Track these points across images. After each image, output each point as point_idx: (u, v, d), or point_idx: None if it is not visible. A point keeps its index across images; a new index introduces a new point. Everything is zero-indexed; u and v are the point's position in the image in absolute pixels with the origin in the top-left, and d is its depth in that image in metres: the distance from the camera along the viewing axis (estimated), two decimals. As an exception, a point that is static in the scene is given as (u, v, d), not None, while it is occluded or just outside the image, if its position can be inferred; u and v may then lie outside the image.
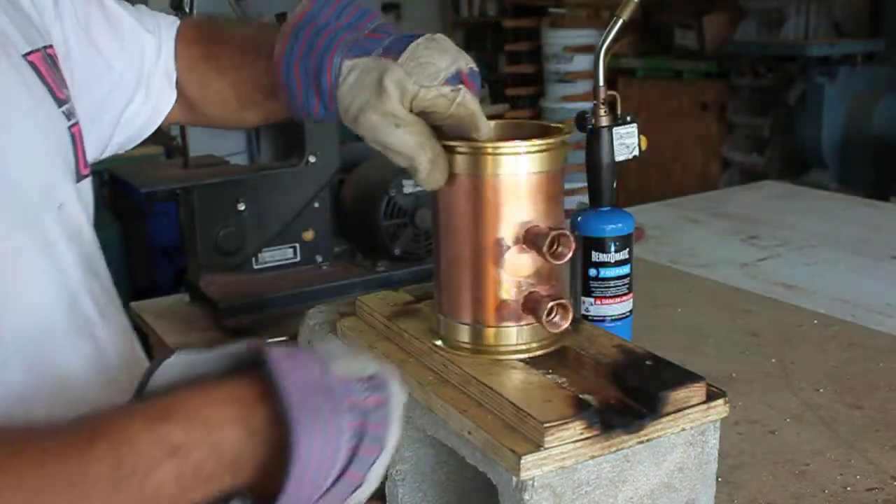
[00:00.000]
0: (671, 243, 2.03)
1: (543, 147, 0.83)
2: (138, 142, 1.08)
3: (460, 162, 0.83)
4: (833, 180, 4.45)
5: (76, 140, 0.89)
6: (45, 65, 0.86)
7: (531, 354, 0.85)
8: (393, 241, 1.62)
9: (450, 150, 0.83)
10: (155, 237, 3.90)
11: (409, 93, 0.79)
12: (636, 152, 1.13)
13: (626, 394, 0.79)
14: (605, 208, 1.13)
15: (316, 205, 1.63)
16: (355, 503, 0.66)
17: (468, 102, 0.80)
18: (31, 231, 0.81)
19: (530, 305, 0.83)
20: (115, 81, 1.01)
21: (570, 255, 0.82)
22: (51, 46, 0.89)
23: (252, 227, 1.58)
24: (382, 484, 0.91)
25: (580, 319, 0.97)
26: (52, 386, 0.82)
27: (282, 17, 1.57)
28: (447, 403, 0.80)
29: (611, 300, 1.14)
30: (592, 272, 1.14)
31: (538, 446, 0.72)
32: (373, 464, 0.65)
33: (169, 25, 1.05)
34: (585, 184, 1.12)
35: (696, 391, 0.79)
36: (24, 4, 0.90)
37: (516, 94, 6.13)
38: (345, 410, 0.62)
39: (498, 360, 0.84)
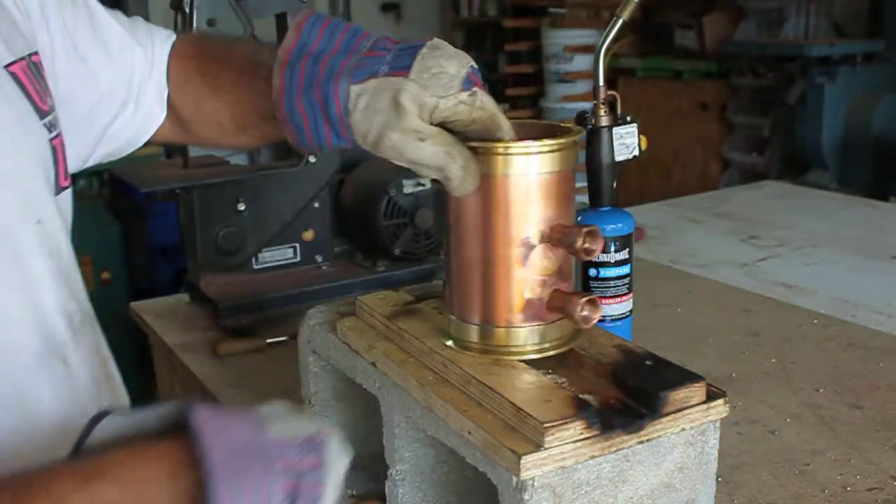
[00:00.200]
0: (671, 243, 2.03)
1: (568, 146, 0.83)
2: (122, 155, 1.06)
3: (486, 164, 0.82)
4: (833, 180, 4.45)
5: (57, 152, 0.86)
6: (29, 74, 0.84)
7: (545, 354, 0.85)
8: (393, 241, 1.62)
9: (472, 151, 0.82)
10: (155, 237, 3.90)
11: (428, 106, 0.77)
12: (636, 152, 1.14)
13: (626, 394, 0.79)
14: (605, 208, 1.14)
15: (316, 205, 1.63)
16: None
17: (487, 104, 0.79)
18: (4, 248, 0.79)
19: (556, 303, 0.83)
20: (102, 95, 0.99)
21: (598, 251, 0.82)
22: (36, 53, 0.87)
23: (252, 227, 1.57)
24: (382, 484, 0.91)
25: (580, 319, 0.97)
26: (18, 409, 0.80)
27: (282, 17, 1.57)
28: (447, 403, 0.80)
29: (611, 300, 1.14)
30: (592, 272, 1.14)
31: (538, 446, 0.72)
32: None
33: (163, 40, 1.03)
34: (585, 184, 1.12)
35: (696, 391, 0.79)
36: (8, 7, 0.87)
37: (516, 94, 6.12)
38: (277, 472, 0.61)
39: (498, 360, 0.84)
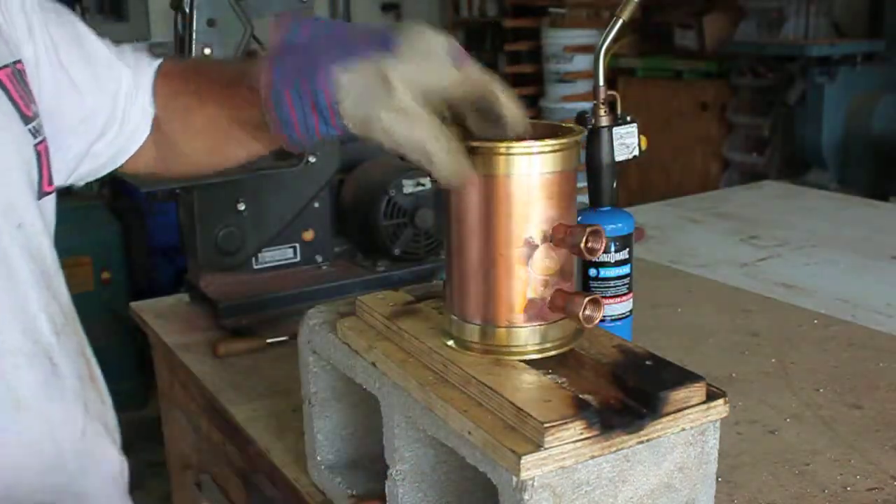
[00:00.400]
0: (671, 243, 2.03)
1: (569, 145, 0.83)
2: (101, 175, 1.06)
3: (488, 164, 0.82)
4: (833, 180, 4.45)
5: (42, 157, 0.87)
6: (14, 81, 0.85)
7: (546, 354, 0.85)
8: (393, 241, 1.62)
9: (474, 151, 0.82)
10: (155, 237, 3.90)
11: (418, 83, 0.77)
12: (636, 152, 1.14)
13: (626, 394, 0.79)
14: (605, 208, 1.14)
15: (316, 205, 1.63)
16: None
17: (477, 75, 0.79)
18: None
19: (559, 303, 0.83)
20: (88, 111, 0.99)
21: (602, 250, 0.82)
22: (20, 62, 0.88)
23: (252, 227, 1.57)
24: (382, 484, 0.91)
25: (580, 319, 0.97)
26: (7, 407, 0.81)
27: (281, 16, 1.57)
28: (447, 403, 0.80)
29: (611, 300, 1.14)
30: (592, 272, 1.14)
31: (538, 446, 0.72)
32: None
33: (150, 62, 1.04)
34: (585, 184, 1.12)
35: (696, 391, 0.79)
36: None
37: (516, 93, 6.12)
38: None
39: (498, 360, 0.84)
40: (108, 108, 1.00)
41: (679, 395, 0.78)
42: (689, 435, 0.79)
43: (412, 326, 0.91)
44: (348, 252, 1.72)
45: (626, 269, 1.15)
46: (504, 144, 0.83)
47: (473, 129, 0.81)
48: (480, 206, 0.83)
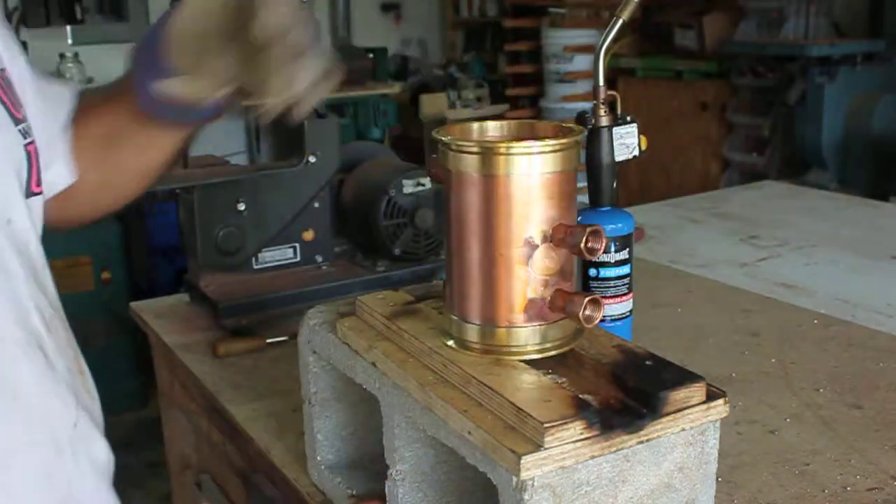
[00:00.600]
0: (671, 243, 2.03)
1: (569, 146, 0.83)
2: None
3: (489, 164, 0.82)
4: (833, 180, 4.45)
5: (31, 158, 0.88)
6: (2, 84, 0.87)
7: (546, 354, 0.85)
8: (393, 241, 1.62)
9: (469, 152, 0.83)
10: (155, 237, 3.90)
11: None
12: (636, 152, 1.14)
13: (626, 394, 0.79)
14: (605, 208, 1.14)
15: (316, 205, 1.63)
16: None
17: None
18: None
19: (559, 303, 0.84)
20: (41, 142, 0.97)
21: (602, 250, 0.82)
22: (5, 70, 0.89)
23: (252, 227, 1.57)
24: (382, 484, 0.91)
25: (580, 319, 0.97)
26: (3, 395, 0.82)
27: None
28: (447, 403, 0.80)
29: (611, 300, 1.14)
30: (592, 272, 1.14)
31: (538, 446, 0.72)
32: None
33: (73, 88, 1.05)
34: (585, 184, 1.12)
35: (696, 391, 0.79)
36: None
37: (516, 94, 6.13)
38: None
39: (498, 360, 0.84)
40: (55, 138, 0.99)
41: (679, 395, 0.78)
42: (689, 435, 0.79)
43: (412, 326, 0.92)
44: (348, 252, 1.72)
45: (626, 269, 1.15)
46: (504, 144, 0.83)
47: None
48: (480, 206, 0.84)
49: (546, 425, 0.72)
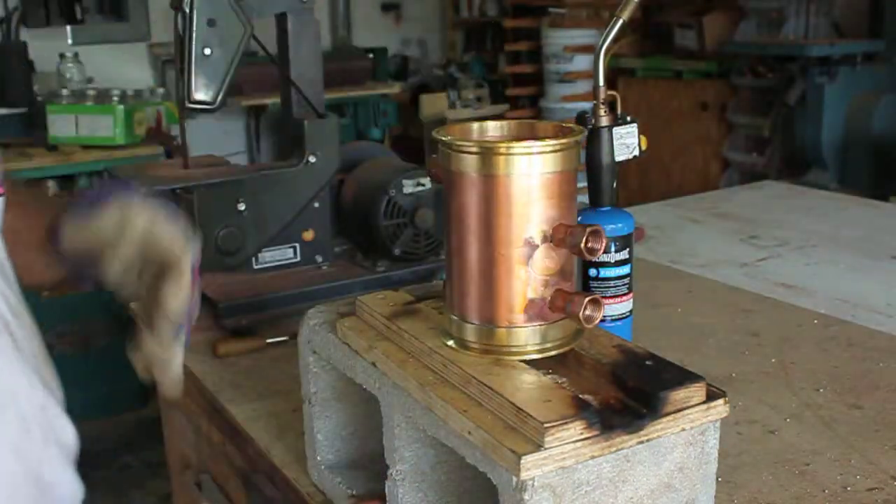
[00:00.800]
0: (671, 243, 2.03)
1: (569, 146, 0.83)
2: None
3: (489, 164, 0.82)
4: (833, 180, 4.45)
5: None
6: None
7: (546, 354, 0.85)
8: (393, 241, 1.62)
9: (469, 152, 0.83)
10: (155, 237, 3.89)
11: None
12: (636, 152, 1.14)
13: (626, 394, 0.79)
14: (605, 208, 1.14)
15: (316, 205, 1.63)
16: None
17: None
18: None
19: (559, 303, 0.84)
20: None
21: (602, 250, 0.82)
22: None
23: (252, 227, 1.57)
24: (382, 484, 0.91)
25: (580, 319, 0.97)
26: None
27: (282, 16, 1.57)
28: (447, 403, 0.80)
29: (611, 300, 1.14)
30: (592, 272, 1.14)
31: (538, 446, 0.72)
32: None
33: None
34: (585, 184, 1.12)
35: (696, 391, 0.79)
36: None
37: (516, 94, 6.13)
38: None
39: (498, 360, 0.84)
40: None
41: (679, 395, 0.78)
42: (689, 435, 0.79)
43: (412, 326, 0.91)
44: (348, 252, 1.72)
45: (626, 269, 1.15)
46: (504, 144, 0.83)
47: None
48: (480, 206, 0.84)
49: (546, 425, 0.72)
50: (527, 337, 0.85)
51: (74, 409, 0.98)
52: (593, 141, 1.12)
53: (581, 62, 5.46)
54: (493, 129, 0.92)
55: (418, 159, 5.25)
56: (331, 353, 0.99)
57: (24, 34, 4.34)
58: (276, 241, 1.61)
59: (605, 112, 1.11)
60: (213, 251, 1.55)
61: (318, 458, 1.06)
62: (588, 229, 0.81)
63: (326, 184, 1.63)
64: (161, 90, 4.33)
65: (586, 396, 0.78)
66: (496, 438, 0.74)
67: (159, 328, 0.94)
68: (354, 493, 1.02)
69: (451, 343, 0.87)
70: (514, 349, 0.85)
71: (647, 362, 0.83)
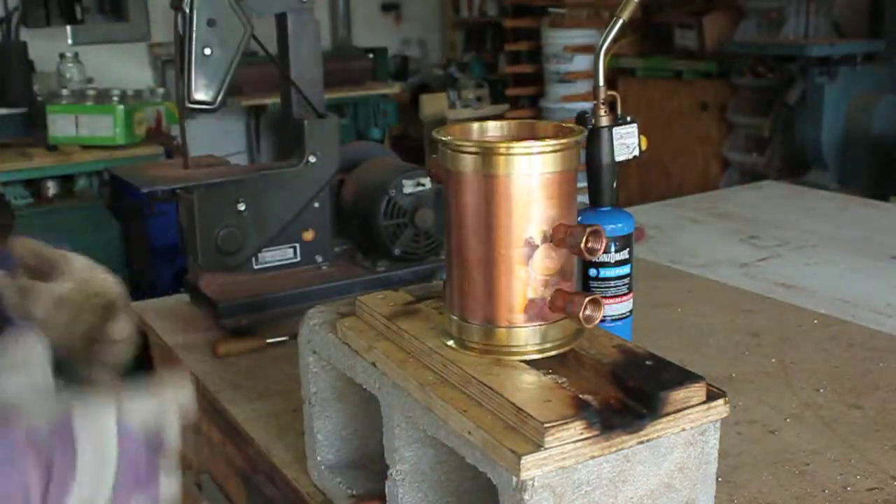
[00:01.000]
0: (671, 243, 2.03)
1: (569, 146, 0.83)
2: None
3: (489, 164, 0.82)
4: (833, 180, 4.45)
5: None
6: None
7: (546, 354, 0.85)
8: (393, 241, 1.62)
9: (469, 152, 0.83)
10: (155, 237, 3.90)
11: None
12: (636, 152, 1.14)
13: (626, 394, 0.79)
14: (605, 208, 1.14)
15: (316, 205, 1.63)
16: None
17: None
18: None
19: (559, 303, 0.84)
20: None
21: (602, 250, 0.82)
22: None
23: (252, 227, 1.57)
24: (382, 484, 0.91)
25: (580, 319, 0.97)
26: None
27: (282, 16, 1.57)
28: (447, 403, 0.80)
29: (611, 300, 1.14)
30: (592, 272, 1.14)
31: (538, 446, 0.72)
32: None
33: None
34: (585, 184, 1.12)
35: (696, 391, 0.79)
36: None
37: (516, 94, 6.13)
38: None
39: (498, 360, 0.84)
40: None
41: (679, 396, 0.78)
42: (689, 435, 0.79)
43: (412, 326, 0.91)
44: (348, 252, 1.72)
45: (626, 270, 1.14)
46: (504, 144, 0.83)
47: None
48: (480, 206, 0.83)
49: (546, 425, 0.72)
50: (527, 337, 0.85)
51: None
52: (593, 141, 1.12)
53: (581, 62, 5.46)
54: (493, 129, 0.92)
55: (418, 159, 5.26)
56: (331, 353, 0.99)
57: (24, 34, 4.34)
58: (276, 241, 1.61)
59: (605, 112, 1.11)
60: (213, 251, 1.55)
61: (318, 458, 1.06)
62: (588, 229, 0.81)
63: (326, 184, 1.63)
64: (161, 90, 4.34)
65: (586, 396, 0.78)
66: (496, 438, 0.74)
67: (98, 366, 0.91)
68: (354, 493, 1.02)
69: (451, 343, 0.87)
70: (514, 349, 0.85)
71: (647, 362, 0.83)
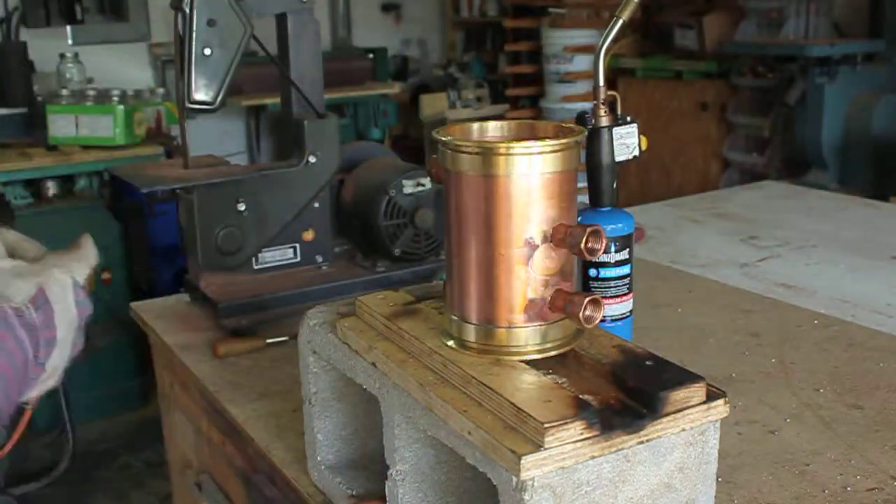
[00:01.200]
0: (671, 243, 2.03)
1: (569, 146, 0.83)
2: None
3: (489, 164, 0.82)
4: (833, 180, 4.45)
5: None
6: None
7: (546, 355, 0.85)
8: (393, 241, 1.62)
9: (469, 152, 0.83)
10: (155, 237, 3.90)
11: None
12: (636, 152, 1.14)
13: (626, 394, 0.79)
14: (605, 208, 1.14)
15: (316, 205, 1.63)
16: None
17: None
18: None
19: (559, 303, 0.84)
20: None
21: (602, 250, 0.82)
22: None
23: (252, 227, 1.57)
24: (382, 484, 0.91)
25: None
26: None
27: (282, 16, 1.57)
28: (447, 403, 0.80)
29: (611, 300, 1.14)
30: (592, 272, 1.14)
31: (538, 446, 0.72)
32: None
33: None
34: (585, 184, 1.12)
35: (696, 391, 0.79)
36: None
37: (516, 94, 6.13)
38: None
39: (498, 361, 0.84)
40: None
41: (679, 396, 0.78)
42: (689, 435, 0.79)
43: (412, 326, 0.92)
44: (348, 252, 1.72)
45: (626, 270, 1.14)
46: (504, 144, 0.83)
47: None
48: (480, 206, 0.83)
49: (546, 425, 0.72)
50: (527, 337, 0.85)
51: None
52: (593, 141, 1.12)
53: (581, 62, 5.45)
54: (493, 129, 0.92)
55: (418, 159, 5.26)
56: (331, 354, 0.99)
57: (24, 34, 4.34)
58: (276, 241, 1.61)
59: (605, 112, 1.11)
60: (213, 251, 1.55)
61: (318, 458, 1.06)
62: (588, 229, 0.81)
63: (326, 184, 1.63)
64: (161, 90, 4.34)
65: (586, 396, 0.78)
66: (496, 438, 0.74)
67: None
68: (354, 493, 1.02)
69: (451, 343, 0.87)
70: (514, 349, 0.85)
71: (647, 362, 0.83)
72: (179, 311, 1.66)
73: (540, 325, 0.85)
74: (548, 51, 5.63)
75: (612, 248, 1.12)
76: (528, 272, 0.84)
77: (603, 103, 1.11)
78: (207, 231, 1.54)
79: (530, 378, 0.81)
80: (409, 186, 1.61)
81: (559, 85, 5.62)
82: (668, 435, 0.78)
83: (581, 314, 0.81)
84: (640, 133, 1.13)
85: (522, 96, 6.12)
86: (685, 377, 0.80)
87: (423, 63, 6.71)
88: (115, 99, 3.82)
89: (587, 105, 1.16)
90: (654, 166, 5.24)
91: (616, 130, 1.12)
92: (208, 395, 1.36)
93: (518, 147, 0.82)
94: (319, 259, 1.65)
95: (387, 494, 0.91)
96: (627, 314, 1.16)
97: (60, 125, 3.67)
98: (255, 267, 1.60)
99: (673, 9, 5.41)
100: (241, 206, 1.56)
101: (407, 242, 1.63)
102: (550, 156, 0.82)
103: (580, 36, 5.44)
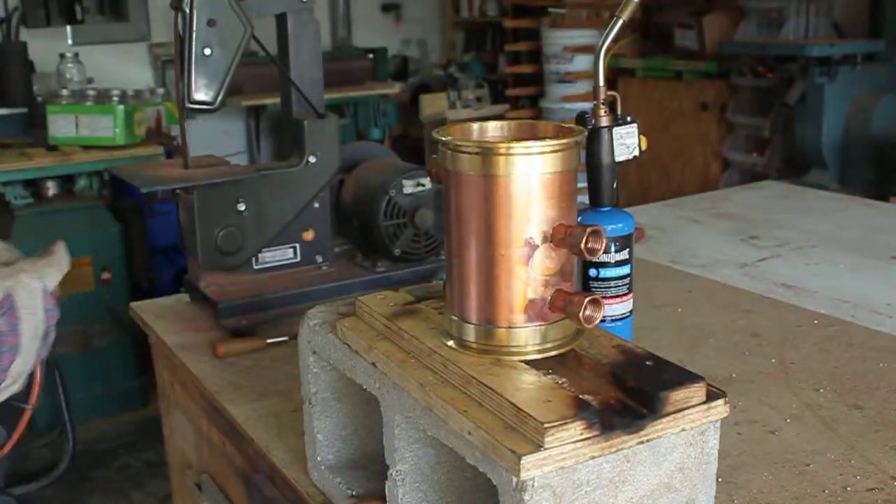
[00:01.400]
0: (671, 243, 2.03)
1: (569, 146, 0.83)
2: None
3: (489, 164, 0.82)
4: (833, 180, 4.45)
5: None
6: None
7: (546, 355, 0.85)
8: (393, 241, 1.62)
9: (469, 152, 0.83)
10: (155, 237, 3.90)
11: None
12: (636, 152, 1.14)
13: (626, 394, 0.79)
14: (605, 208, 1.14)
15: (316, 205, 1.63)
16: None
17: None
18: None
19: (559, 303, 0.84)
20: None
21: (602, 250, 0.82)
22: None
23: (252, 227, 1.57)
24: (382, 484, 0.91)
25: (580, 319, 0.97)
26: None
27: (282, 16, 1.57)
28: (447, 403, 0.80)
29: (611, 300, 1.14)
30: (592, 272, 1.14)
31: (538, 446, 0.72)
32: None
33: None
34: (585, 184, 1.12)
35: (696, 391, 0.79)
36: None
37: (516, 94, 6.13)
38: None
39: (498, 361, 0.84)
40: None
41: (679, 396, 0.78)
42: (689, 435, 0.79)
43: (412, 326, 0.92)
44: (348, 252, 1.72)
45: (626, 270, 1.15)
46: (504, 144, 0.83)
47: None
48: (480, 206, 0.84)
49: (546, 425, 0.72)
50: (527, 337, 0.85)
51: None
52: (593, 141, 1.12)
53: (581, 62, 5.45)
54: (493, 129, 0.92)
55: (418, 159, 5.26)
56: (331, 354, 0.99)
57: (24, 34, 4.34)
58: (276, 241, 1.61)
59: (605, 112, 1.11)
60: (213, 251, 1.55)
61: (318, 458, 1.06)
62: (588, 229, 0.81)
63: (326, 184, 1.63)
64: (161, 90, 4.34)
65: (586, 396, 0.78)
66: (496, 438, 0.74)
67: None
68: (354, 493, 1.02)
69: (451, 343, 0.87)
70: (514, 349, 0.85)
71: (647, 362, 0.83)
72: (179, 311, 1.66)
73: (540, 326, 0.85)
74: (548, 51, 5.63)
75: (612, 248, 1.12)
76: (528, 272, 0.84)
77: (603, 103, 1.11)
78: (207, 231, 1.54)
79: (530, 378, 0.81)
80: (409, 186, 1.61)
81: (559, 85, 5.62)
82: (668, 435, 0.78)
83: (581, 314, 0.81)
84: (640, 133, 1.13)
85: (522, 96, 6.12)
86: (685, 377, 0.80)
87: (423, 63, 6.71)
88: (115, 99, 3.82)
89: (587, 105, 1.16)
90: (654, 166, 5.24)
91: (616, 130, 1.12)
92: (208, 396, 1.36)
93: (518, 147, 0.82)
94: (319, 259, 1.65)
95: (387, 494, 0.91)
96: (627, 314, 1.16)
97: (60, 125, 3.67)
98: (255, 267, 1.60)
99: (673, 9, 5.41)
100: (241, 206, 1.56)
101: (407, 242, 1.63)
102: (550, 156, 0.82)
103: (580, 36, 5.44)
